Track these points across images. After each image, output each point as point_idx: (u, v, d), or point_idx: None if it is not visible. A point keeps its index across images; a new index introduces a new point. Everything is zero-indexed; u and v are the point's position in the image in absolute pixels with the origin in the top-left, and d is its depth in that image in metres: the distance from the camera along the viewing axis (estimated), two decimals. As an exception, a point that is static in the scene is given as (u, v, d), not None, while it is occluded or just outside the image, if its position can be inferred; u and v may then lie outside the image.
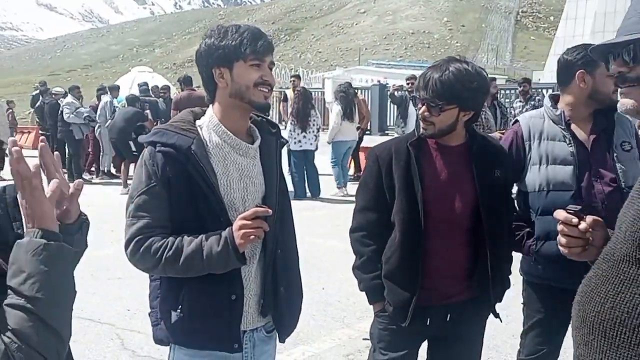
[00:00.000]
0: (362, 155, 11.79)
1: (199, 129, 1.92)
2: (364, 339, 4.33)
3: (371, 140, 13.12)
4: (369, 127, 13.92)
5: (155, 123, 10.86)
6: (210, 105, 1.97)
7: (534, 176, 2.63)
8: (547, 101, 2.72)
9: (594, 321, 1.31)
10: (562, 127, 2.62)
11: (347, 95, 10.02)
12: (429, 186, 2.27)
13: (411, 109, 9.81)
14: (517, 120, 2.77)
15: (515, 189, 2.76)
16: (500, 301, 2.46)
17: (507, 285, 2.48)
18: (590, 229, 1.56)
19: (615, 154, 2.58)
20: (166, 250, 1.81)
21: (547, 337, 2.76)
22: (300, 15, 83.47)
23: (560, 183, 2.56)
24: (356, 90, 12.43)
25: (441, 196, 2.28)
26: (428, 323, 2.35)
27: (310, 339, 4.25)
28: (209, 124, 1.93)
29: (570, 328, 2.58)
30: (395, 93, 10.40)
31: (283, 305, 2.01)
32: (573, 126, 2.63)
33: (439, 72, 2.20)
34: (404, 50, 63.39)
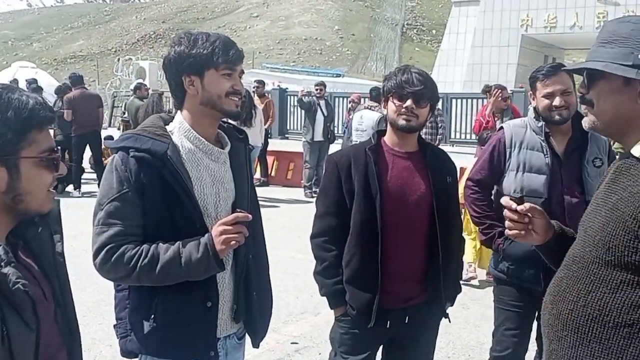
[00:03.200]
0: (269, 159, 11.75)
1: (170, 134, 1.88)
2: (292, 343, 4.35)
3: (271, 144, 13.11)
4: (269, 131, 13.94)
5: None
6: (179, 112, 1.95)
7: (510, 181, 2.84)
8: (531, 112, 2.92)
9: (568, 318, 1.44)
10: (542, 139, 2.82)
11: (245, 101, 9.98)
12: (386, 189, 2.36)
13: (319, 115, 9.95)
14: (502, 128, 2.96)
15: (494, 190, 2.98)
16: (452, 304, 2.58)
17: (458, 289, 2.59)
18: (528, 214, 1.71)
19: (587, 169, 2.80)
20: (141, 259, 1.75)
21: (518, 329, 2.90)
22: (192, 15, 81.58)
23: (533, 190, 2.76)
24: (265, 92, 12.44)
25: (398, 199, 2.38)
26: (388, 326, 2.42)
27: (238, 346, 4.18)
28: (180, 130, 1.91)
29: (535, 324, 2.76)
30: (304, 98, 10.47)
31: (256, 310, 2.00)
32: (551, 139, 2.83)
33: (413, 71, 2.36)
34: (297, 56, 64.04)
